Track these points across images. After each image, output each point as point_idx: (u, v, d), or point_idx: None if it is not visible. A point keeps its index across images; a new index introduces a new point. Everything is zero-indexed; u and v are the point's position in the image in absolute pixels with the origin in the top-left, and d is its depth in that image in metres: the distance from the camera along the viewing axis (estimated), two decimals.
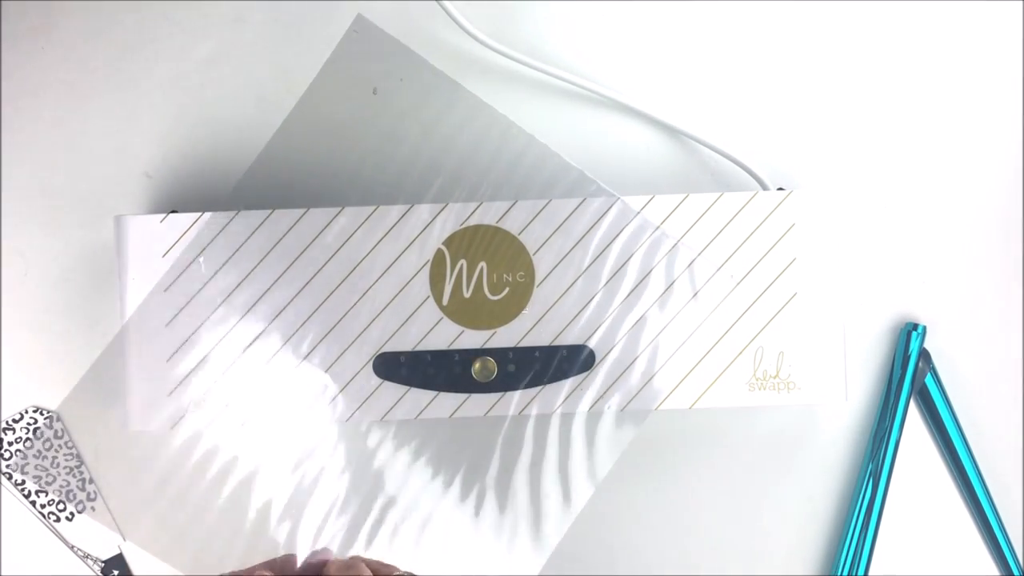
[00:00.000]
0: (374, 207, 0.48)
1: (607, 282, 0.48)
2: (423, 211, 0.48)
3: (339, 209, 0.48)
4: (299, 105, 0.50)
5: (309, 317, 0.48)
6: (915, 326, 0.53)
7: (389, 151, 0.52)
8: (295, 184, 0.53)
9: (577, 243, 0.48)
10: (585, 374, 0.48)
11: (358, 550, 0.50)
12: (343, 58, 0.50)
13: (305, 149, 0.53)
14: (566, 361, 0.48)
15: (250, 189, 0.52)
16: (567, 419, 0.49)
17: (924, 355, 0.53)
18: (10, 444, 0.54)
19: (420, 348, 0.48)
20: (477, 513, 0.50)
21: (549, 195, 0.49)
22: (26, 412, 0.54)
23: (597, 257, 0.48)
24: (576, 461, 0.49)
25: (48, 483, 0.54)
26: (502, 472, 0.51)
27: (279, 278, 0.48)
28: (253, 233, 0.48)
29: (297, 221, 0.48)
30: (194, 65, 0.55)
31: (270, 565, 0.45)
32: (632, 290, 0.48)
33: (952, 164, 0.55)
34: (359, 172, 0.53)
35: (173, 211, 0.49)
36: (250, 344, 0.48)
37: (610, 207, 0.48)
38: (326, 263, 0.48)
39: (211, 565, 0.51)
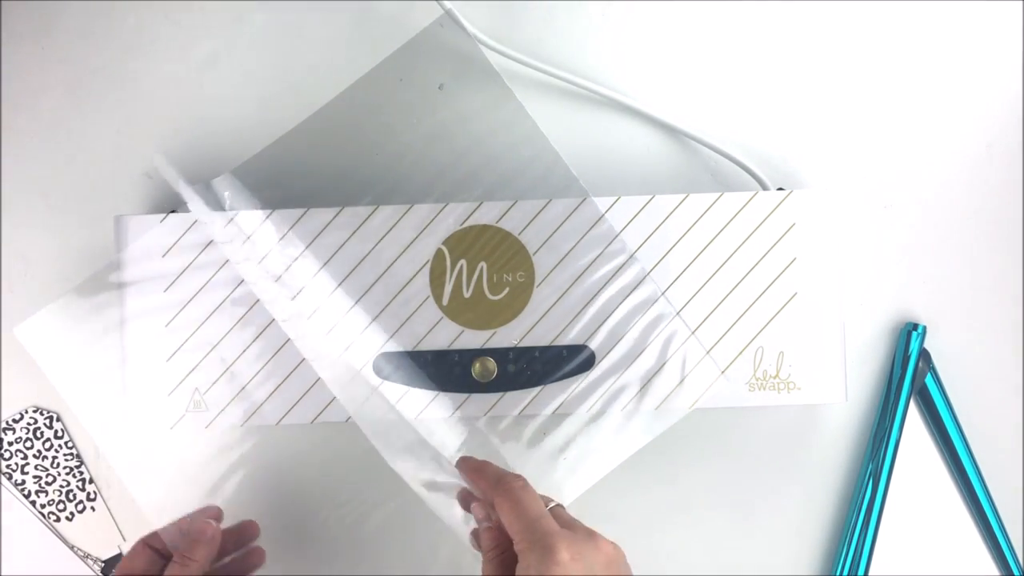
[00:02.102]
0: (374, 207, 0.48)
1: (607, 282, 0.48)
2: (423, 211, 0.48)
3: (339, 209, 0.48)
4: (351, 88, 0.49)
5: (309, 317, 0.48)
6: (915, 326, 0.53)
7: (431, 149, 0.52)
8: (313, 172, 0.53)
9: (577, 243, 0.48)
10: (585, 374, 0.48)
11: None
12: (411, 51, 0.50)
13: (341, 135, 0.53)
14: (566, 361, 0.48)
15: (264, 171, 0.51)
16: (565, 419, 0.49)
17: (924, 355, 0.53)
18: (10, 444, 0.54)
19: (420, 348, 0.48)
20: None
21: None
22: (26, 412, 0.54)
23: (597, 257, 0.48)
24: (573, 461, 0.48)
25: (48, 483, 0.54)
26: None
27: (279, 278, 0.48)
28: (253, 233, 0.48)
29: (297, 221, 0.48)
30: (194, 65, 0.55)
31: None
32: (632, 290, 0.48)
33: (952, 165, 0.55)
34: (397, 163, 0.53)
35: (173, 211, 0.49)
36: (250, 344, 0.48)
37: (609, 208, 0.48)
38: (326, 263, 0.48)
39: None
